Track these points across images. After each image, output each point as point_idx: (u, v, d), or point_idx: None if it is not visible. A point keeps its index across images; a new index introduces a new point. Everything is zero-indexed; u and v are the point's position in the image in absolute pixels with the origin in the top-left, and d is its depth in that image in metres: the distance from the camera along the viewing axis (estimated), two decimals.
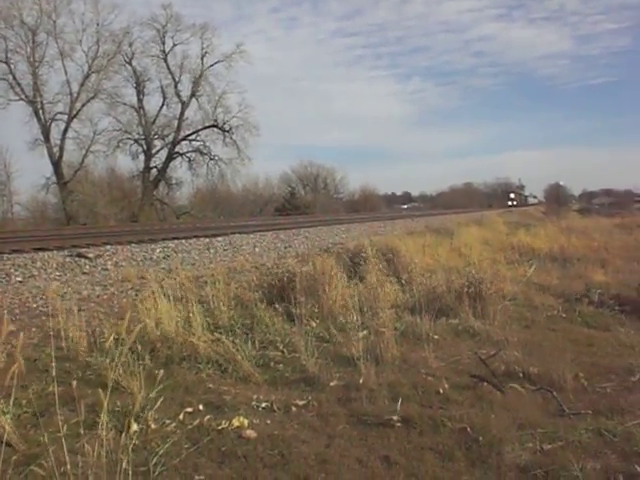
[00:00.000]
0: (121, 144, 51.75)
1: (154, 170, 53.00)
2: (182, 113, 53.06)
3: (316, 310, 8.77)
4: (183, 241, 18.20)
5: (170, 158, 53.17)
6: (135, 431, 4.55)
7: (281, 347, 7.36)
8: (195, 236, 19.83)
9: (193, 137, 54.20)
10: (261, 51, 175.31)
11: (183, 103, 53.13)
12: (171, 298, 7.61)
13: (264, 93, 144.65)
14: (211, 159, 53.89)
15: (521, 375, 6.63)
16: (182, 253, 15.73)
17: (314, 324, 8.32)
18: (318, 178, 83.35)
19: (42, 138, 46.08)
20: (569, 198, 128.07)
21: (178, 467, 4.39)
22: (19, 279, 11.24)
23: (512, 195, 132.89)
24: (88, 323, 7.42)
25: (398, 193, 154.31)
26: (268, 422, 5.29)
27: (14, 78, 44.68)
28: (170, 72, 52.88)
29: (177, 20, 52.03)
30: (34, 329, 7.57)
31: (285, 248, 18.33)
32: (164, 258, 14.80)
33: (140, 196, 50.05)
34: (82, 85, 47.39)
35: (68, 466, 3.74)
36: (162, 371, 5.01)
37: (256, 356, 6.89)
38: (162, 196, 53.69)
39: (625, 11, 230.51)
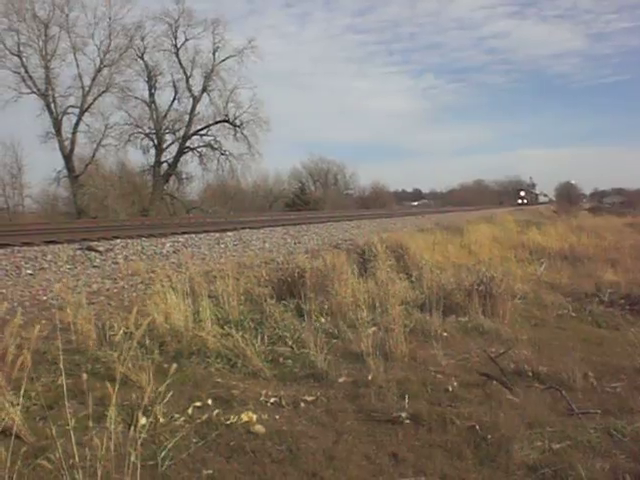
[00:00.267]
0: (132, 138, 51.92)
1: (165, 164, 53.14)
2: (193, 108, 53.18)
3: (326, 306, 8.77)
4: (193, 235, 18.23)
5: (181, 153, 53.25)
6: (144, 425, 4.55)
7: (290, 343, 7.36)
8: (205, 231, 19.86)
9: (204, 132, 54.30)
10: (273, 46, 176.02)
11: (194, 98, 53.22)
12: (181, 292, 7.62)
13: (275, 88, 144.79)
14: (222, 154, 53.96)
15: (530, 374, 6.60)
16: (192, 248, 15.75)
17: (323, 320, 8.33)
18: (328, 174, 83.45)
19: (54, 131, 46.26)
20: (580, 197, 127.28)
21: (186, 461, 4.40)
22: (29, 272, 11.27)
23: (522, 193, 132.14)
24: (98, 316, 7.44)
25: (408, 190, 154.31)
26: (277, 417, 5.29)
27: (26, 71, 44.89)
28: (182, 67, 52.99)
29: (189, 15, 52.13)
30: (44, 322, 7.58)
31: (295, 244, 18.33)
32: (174, 252, 14.82)
33: (151, 190, 50.16)
34: (94, 79, 47.55)
35: (76, 459, 3.74)
36: (172, 365, 5.00)
37: (265, 351, 6.90)
38: (172, 191, 53.80)
39: (638, 10, 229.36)
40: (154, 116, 52.40)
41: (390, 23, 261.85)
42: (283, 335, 7.57)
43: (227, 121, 53.19)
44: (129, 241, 15.88)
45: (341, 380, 6.27)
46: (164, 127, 52.86)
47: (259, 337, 7.10)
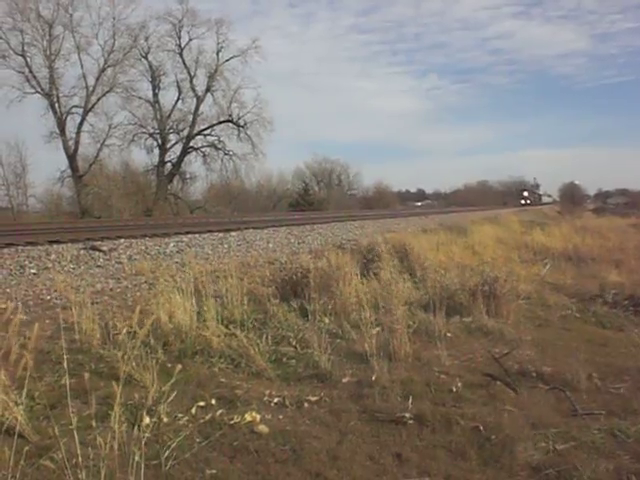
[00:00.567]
0: (136, 138, 51.94)
1: (168, 164, 53.16)
2: (197, 108, 53.17)
3: (329, 306, 8.75)
4: (197, 235, 18.23)
5: (185, 153, 53.28)
6: (147, 424, 4.55)
7: (294, 343, 7.36)
8: (209, 231, 19.86)
9: (208, 132, 54.31)
10: (277, 46, 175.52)
11: (198, 98, 53.21)
12: (184, 292, 7.62)
13: (279, 89, 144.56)
14: (225, 154, 53.97)
15: (534, 374, 6.60)
16: (195, 247, 15.75)
17: (327, 320, 8.32)
18: (332, 174, 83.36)
19: (58, 131, 46.29)
20: (584, 197, 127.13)
21: (190, 461, 4.39)
22: (33, 271, 11.28)
23: (525, 193, 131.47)
24: (101, 316, 7.44)
25: (412, 190, 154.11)
26: (280, 417, 5.29)
27: (30, 71, 44.94)
28: (186, 67, 53.00)
29: (193, 15, 52.11)
30: (47, 321, 7.60)
31: (298, 244, 18.33)
32: (177, 252, 14.83)
33: (154, 190, 50.18)
34: (98, 79, 47.58)
35: (80, 458, 3.75)
36: (178, 365, 4.99)
37: (269, 351, 6.89)
38: (176, 190, 53.84)
39: None
40: (158, 116, 52.45)
41: (394, 23, 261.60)
42: (287, 335, 7.57)
43: (231, 121, 53.21)
44: (133, 241, 15.88)
45: (345, 380, 6.27)
46: (168, 127, 52.89)
47: (263, 337, 7.09)
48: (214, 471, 4.27)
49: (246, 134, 53.20)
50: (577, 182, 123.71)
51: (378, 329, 7.51)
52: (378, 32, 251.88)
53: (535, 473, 4.40)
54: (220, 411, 5.27)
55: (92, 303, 7.36)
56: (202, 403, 5.44)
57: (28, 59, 44.79)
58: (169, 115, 53.16)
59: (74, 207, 45.27)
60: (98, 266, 12.28)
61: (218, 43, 52.67)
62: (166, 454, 4.35)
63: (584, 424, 5.30)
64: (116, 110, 49.57)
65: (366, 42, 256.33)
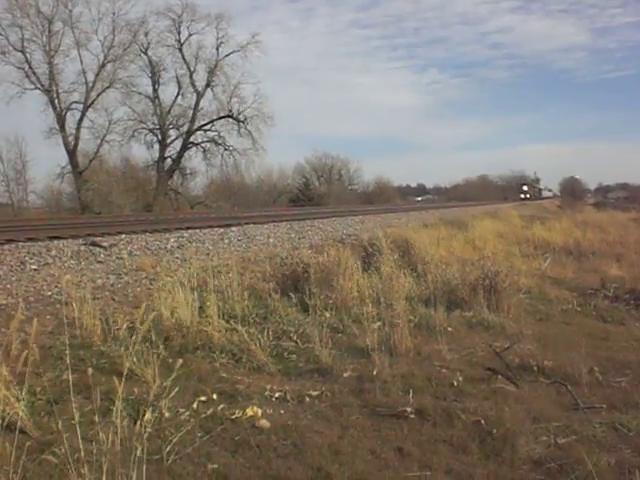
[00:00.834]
0: (136, 134, 51.84)
1: (169, 160, 53.07)
2: (197, 103, 53.07)
3: (330, 301, 8.76)
4: (197, 231, 18.19)
5: (185, 148, 53.20)
6: (149, 419, 4.56)
7: (295, 337, 7.37)
8: (209, 226, 19.83)
9: (208, 127, 54.20)
10: (277, 41, 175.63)
11: (198, 93, 53.12)
12: (185, 287, 7.61)
13: (279, 84, 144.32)
14: (226, 149, 53.85)
15: (535, 368, 6.61)
16: (196, 243, 15.74)
17: (328, 315, 8.33)
18: (332, 169, 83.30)
19: (57, 127, 46.22)
20: (584, 192, 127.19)
21: (192, 456, 4.40)
22: (34, 267, 11.27)
23: (525, 188, 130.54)
24: (102, 311, 7.43)
25: (412, 185, 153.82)
26: (281, 412, 5.30)
27: (30, 67, 44.86)
28: (185, 62, 52.88)
29: (192, 10, 51.95)
30: (48, 317, 7.60)
31: (299, 239, 18.32)
32: (178, 247, 14.82)
33: (155, 186, 50.18)
34: (98, 74, 47.48)
35: (82, 453, 3.75)
36: (177, 360, 5.00)
37: (270, 346, 6.89)
38: (176, 186, 53.78)
39: None
40: (158, 111, 52.38)
41: (394, 18, 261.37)
42: (288, 330, 7.58)
43: (231, 116, 53.11)
44: (133, 236, 15.85)
45: (346, 375, 6.27)
46: (168, 122, 52.81)
47: (264, 332, 7.08)
48: (216, 466, 4.28)
49: (246, 129, 53.14)
50: (577, 176, 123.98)
51: (379, 324, 7.52)
52: (378, 27, 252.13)
53: (537, 467, 4.41)
54: (221, 406, 5.28)
55: (93, 299, 7.35)
56: (203, 398, 5.45)
57: (28, 55, 44.78)
58: (169, 110, 53.10)
59: (74, 203, 45.31)
60: (99, 262, 12.27)
61: (218, 38, 52.59)
62: (168, 449, 4.36)
63: (585, 418, 5.31)
64: (116, 106, 49.55)
65: (366, 37, 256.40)
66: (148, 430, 4.26)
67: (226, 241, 16.61)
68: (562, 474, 4.29)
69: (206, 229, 18.85)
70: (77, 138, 46.93)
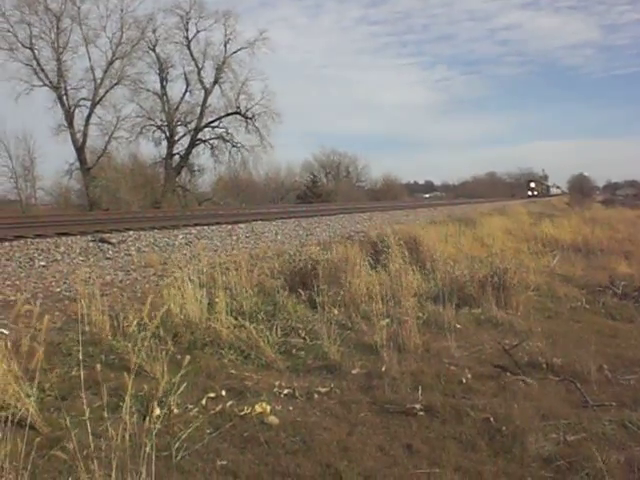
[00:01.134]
0: (144, 130, 51.77)
1: (177, 157, 53.04)
2: (205, 100, 53.00)
3: (338, 298, 8.75)
4: (205, 227, 18.23)
5: (192, 145, 53.17)
6: (158, 415, 4.56)
7: (303, 334, 7.37)
8: (217, 223, 19.86)
9: (216, 124, 54.10)
10: (285, 38, 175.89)
11: (206, 90, 53.06)
12: (195, 284, 7.62)
13: (287, 81, 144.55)
14: (233, 146, 53.76)
15: (544, 366, 6.60)
16: (204, 239, 15.75)
17: (336, 311, 8.31)
18: (340, 166, 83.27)
19: (66, 124, 46.23)
20: (593, 189, 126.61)
21: (200, 452, 4.41)
22: (42, 263, 11.30)
23: (532, 184, 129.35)
24: (111, 308, 7.44)
25: (420, 182, 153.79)
26: (290, 409, 5.31)
27: (38, 64, 44.86)
28: (193, 59, 52.81)
29: (200, 7, 51.86)
30: (57, 313, 7.61)
31: (307, 236, 18.32)
32: (186, 244, 14.84)
33: (162, 182, 50.16)
34: (106, 71, 47.47)
35: (91, 449, 3.76)
36: (187, 356, 5.00)
37: (278, 343, 6.90)
38: (184, 183, 53.75)
39: None
40: (166, 108, 52.34)
41: (403, 14, 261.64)
42: (296, 326, 7.58)
43: (239, 113, 53.05)
44: (141, 233, 15.88)
45: (354, 372, 6.27)
46: (176, 119, 52.77)
47: (272, 328, 7.08)
48: (224, 462, 4.28)
49: (254, 126, 53.03)
50: (586, 173, 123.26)
51: (387, 320, 7.50)
52: (386, 23, 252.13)
53: (546, 464, 4.40)
54: (230, 402, 5.29)
55: (102, 295, 7.36)
56: (212, 394, 5.45)
57: (36, 52, 44.77)
58: (177, 107, 53.05)
59: (82, 200, 45.34)
60: (107, 258, 12.30)
61: (226, 35, 52.46)
62: (177, 445, 4.37)
63: (595, 415, 5.30)
64: (124, 102, 49.48)
65: (374, 34, 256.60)
66: (157, 426, 4.26)
67: (234, 238, 16.63)
68: (571, 472, 4.28)
69: (214, 226, 18.88)
70: (85, 135, 46.95)
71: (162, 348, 6.01)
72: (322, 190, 68.39)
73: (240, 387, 5.70)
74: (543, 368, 6.56)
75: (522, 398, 5.64)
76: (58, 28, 45.30)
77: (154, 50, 51.26)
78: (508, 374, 6.21)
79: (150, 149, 56.85)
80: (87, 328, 6.80)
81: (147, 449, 3.70)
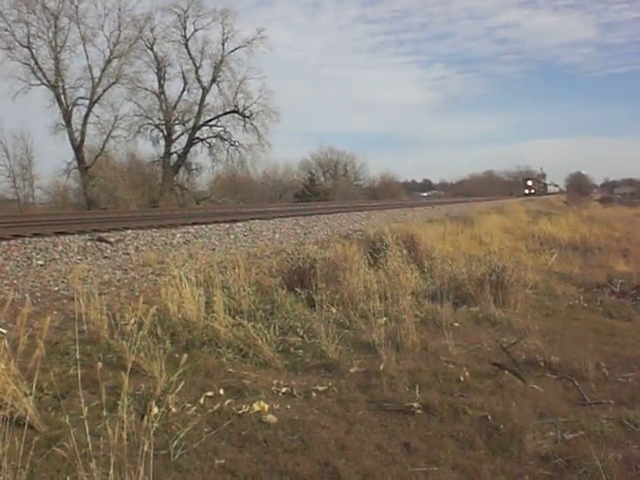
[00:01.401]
0: (142, 129, 51.82)
1: (174, 155, 53.06)
2: (203, 98, 53.01)
3: (336, 296, 8.76)
4: (203, 226, 18.19)
5: (190, 144, 53.17)
6: (156, 414, 4.56)
7: (301, 333, 7.37)
8: (215, 221, 19.82)
9: (213, 123, 54.13)
10: (283, 37, 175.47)
11: (204, 88, 53.06)
12: (192, 282, 7.62)
13: (285, 79, 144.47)
14: (231, 145, 53.78)
15: (542, 364, 6.62)
16: (202, 238, 15.74)
17: (334, 310, 8.32)
18: (338, 165, 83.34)
19: (64, 123, 46.25)
20: (591, 187, 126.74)
21: (198, 451, 4.41)
22: (40, 262, 11.29)
23: (529, 183, 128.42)
24: (109, 307, 7.43)
25: (418, 181, 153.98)
26: (288, 407, 5.31)
27: (36, 63, 44.87)
28: (191, 57, 52.81)
29: (198, 5, 51.85)
30: (55, 312, 7.60)
31: (305, 234, 18.30)
32: (184, 243, 14.83)
33: (160, 181, 50.17)
34: (103, 70, 47.50)
35: (89, 448, 3.76)
36: (184, 355, 5.00)
37: (276, 341, 6.90)
38: (182, 181, 53.77)
39: None
40: (164, 107, 52.34)
41: (400, 13, 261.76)
42: (294, 325, 7.58)
43: (236, 112, 53.03)
44: (139, 232, 15.84)
45: (352, 370, 6.28)
46: (174, 118, 52.77)
47: (270, 327, 7.08)
48: (223, 461, 4.28)
49: (252, 125, 53.06)
50: (584, 172, 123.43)
51: (385, 319, 7.52)
52: (384, 22, 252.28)
53: (544, 462, 4.41)
54: (228, 401, 5.29)
55: (100, 294, 7.36)
56: (210, 393, 5.45)
57: (34, 51, 44.78)
58: (175, 106, 53.03)
59: (80, 199, 45.35)
60: (105, 257, 12.29)
61: (223, 34, 52.48)
62: (175, 444, 4.37)
63: (592, 413, 5.31)
64: (122, 101, 49.54)
65: (372, 32, 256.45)
66: (155, 425, 4.26)
67: (232, 236, 16.62)
68: (569, 470, 4.29)
69: (212, 224, 18.85)
70: (83, 134, 46.98)
71: (160, 347, 6.01)
72: (320, 189, 68.45)
73: (238, 386, 5.70)
74: (541, 366, 6.58)
75: (520, 396, 5.65)
76: (56, 27, 45.33)
77: (152, 49, 51.31)
78: (506, 372, 6.21)
79: (148, 148, 56.67)
80: (85, 327, 6.80)
81: (145, 448, 3.70)
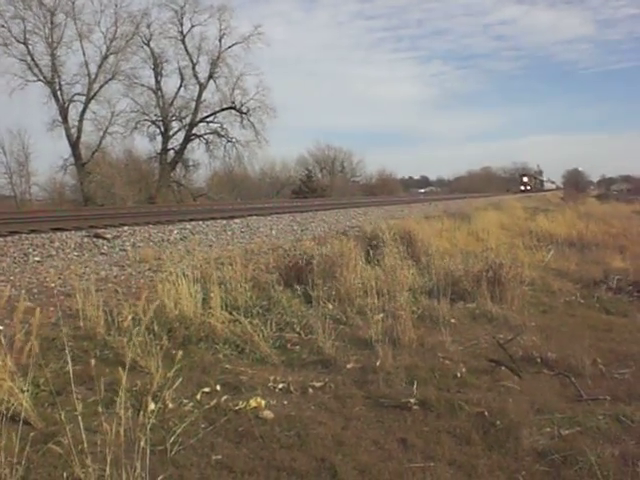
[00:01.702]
0: (139, 125, 51.94)
1: (171, 152, 53.13)
2: (200, 95, 53.07)
3: (333, 292, 8.75)
4: (200, 223, 18.18)
5: (187, 140, 53.20)
6: (153, 410, 4.56)
7: (298, 329, 7.37)
8: (212, 218, 19.81)
9: (210, 119, 54.23)
10: (280, 33, 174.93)
11: (201, 85, 53.11)
12: (189, 279, 7.61)
13: (282, 76, 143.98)
14: (228, 141, 53.87)
15: (539, 360, 6.62)
16: (199, 235, 15.73)
17: (331, 306, 8.31)
18: (335, 161, 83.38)
19: (60, 119, 46.33)
20: (587, 184, 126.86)
21: (195, 447, 4.41)
22: (37, 259, 11.28)
23: (525, 179, 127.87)
24: (106, 303, 7.43)
25: (415, 177, 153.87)
26: (285, 403, 5.31)
27: (32, 59, 44.93)
28: (188, 54, 52.86)
29: (195, 1, 51.95)
30: (52, 308, 7.59)
31: (302, 231, 18.30)
32: (181, 239, 14.82)
33: (157, 178, 50.24)
34: (100, 66, 47.55)
35: (86, 444, 3.76)
36: (180, 351, 5.01)
37: (273, 337, 6.91)
38: (179, 178, 53.81)
39: None
40: (160, 103, 52.38)
41: (398, 9, 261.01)
42: (291, 321, 7.57)
43: (234, 108, 53.05)
44: (136, 228, 15.84)
45: (349, 366, 6.28)
46: (170, 114, 52.84)
47: (267, 323, 7.09)
48: (219, 456, 4.28)
49: (249, 121, 53.14)
50: (581, 168, 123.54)
51: (382, 315, 7.51)
52: (382, 18, 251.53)
53: (540, 458, 4.41)
54: (225, 397, 5.29)
55: (96, 290, 7.36)
56: (207, 389, 5.45)
57: (30, 47, 44.83)
58: (172, 102, 53.10)
59: (77, 195, 45.38)
60: (102, 253, 12.28)
61: (220, 30, 52.54)
62: (171, 440, 4.36)
63: (589, 409, 5.31)
64: (118, 98, 49.64)
65: (370, 28, 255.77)
66: (152, 421, 4.26)
67: (229, 233, 16.61)
68: (566, 465, 4.29)
69: (209, 221, 18.84)
70: (80, 130, 47.03)
71: (157, 343, 6.00)
72: (317, 185, 68.43)
73: (235, 382, 5.70)
74: (537, 362, 6.58)
75: (516, 392, 5.66)
76: (52, 23, 45.36)
77: (148, 45, 51.38)
78: (503, 368, 6.22)
79: (145, 144, 56.63)
80: (82, 323, 6.80)
81: (142, 444, 3.70)
